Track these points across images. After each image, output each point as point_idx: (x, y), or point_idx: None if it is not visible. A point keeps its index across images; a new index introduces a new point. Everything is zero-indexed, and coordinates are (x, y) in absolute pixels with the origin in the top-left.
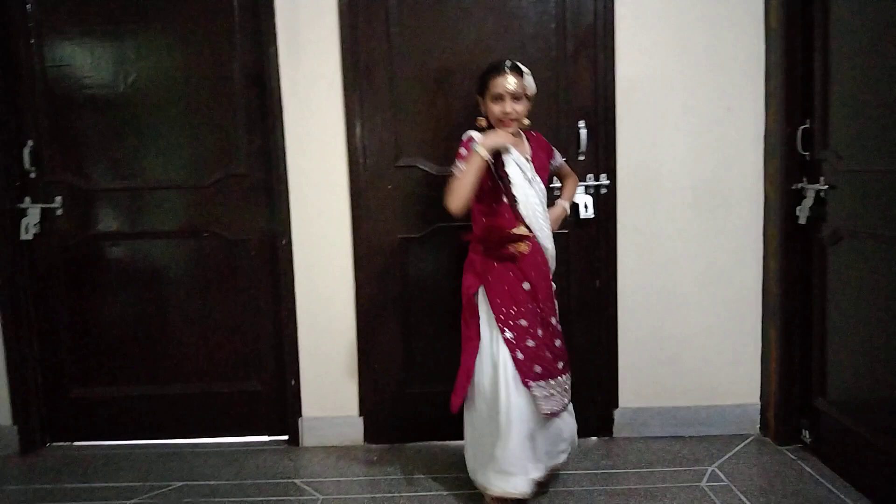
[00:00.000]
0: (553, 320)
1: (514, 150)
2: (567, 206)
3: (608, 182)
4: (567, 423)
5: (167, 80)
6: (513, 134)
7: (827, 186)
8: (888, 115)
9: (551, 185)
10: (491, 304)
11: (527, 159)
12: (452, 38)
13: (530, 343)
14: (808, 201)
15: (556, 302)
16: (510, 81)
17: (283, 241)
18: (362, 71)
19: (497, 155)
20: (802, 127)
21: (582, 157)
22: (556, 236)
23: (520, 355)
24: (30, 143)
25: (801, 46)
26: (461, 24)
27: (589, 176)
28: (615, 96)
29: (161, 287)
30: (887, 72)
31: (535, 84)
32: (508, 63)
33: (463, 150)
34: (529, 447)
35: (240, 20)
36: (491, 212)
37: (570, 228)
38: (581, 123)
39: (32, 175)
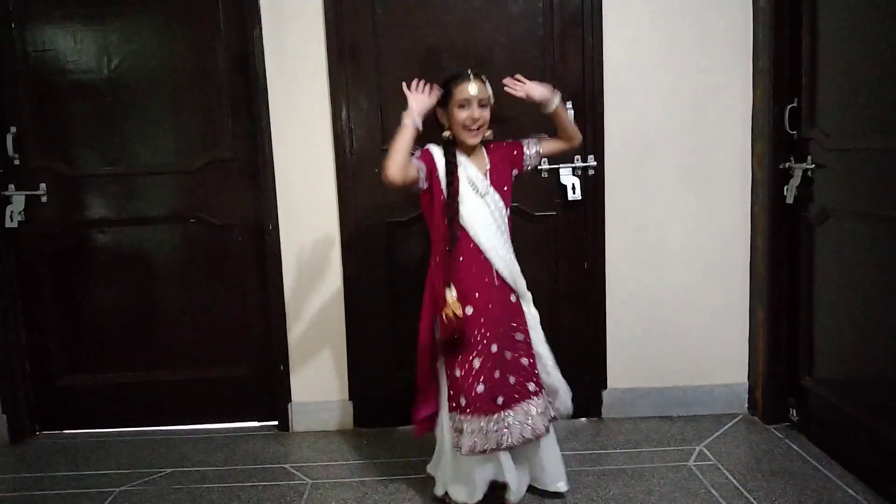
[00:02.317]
0: (495, 347)
1: (467, 164)
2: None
3: (596, 163)
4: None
5: (151, 64)
6: (473, 146)
7: (814, 165)
8: (875, 94)
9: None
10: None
11: (484, 174)
12: (439, 18)
13: (458, 373)
14: (796, 180)
15: (521, 323)
16: (476, 87)
17: (270, 226)
18: (347, 52)
19: (451, 168)
20: (790, 106)
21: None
22: (542, 218)
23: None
24: (13, 129)
25: (789, 25)
26: (448, 3)
27: (577, 157)
28: (603, 76)
29: (148, 274)
30: (874, 51)
31: (523, 64)
32: (470, 70)
33: (417, 160)
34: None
35: (223, 2)
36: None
37: (557, 210)
38: (568, 104)
39: (16, 162)
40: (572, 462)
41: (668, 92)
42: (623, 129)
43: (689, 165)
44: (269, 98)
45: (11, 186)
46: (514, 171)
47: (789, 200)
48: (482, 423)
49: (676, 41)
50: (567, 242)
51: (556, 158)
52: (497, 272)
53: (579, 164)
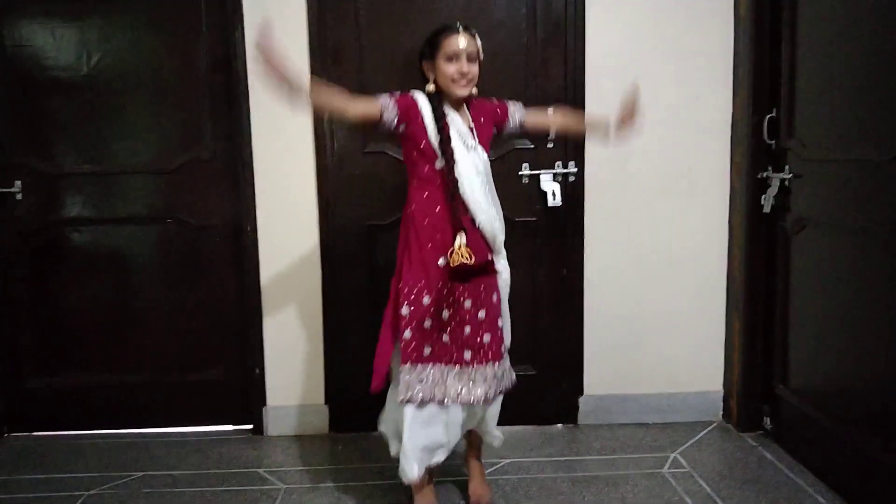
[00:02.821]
0: (468, 304)
1: (454, 117)
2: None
3: (576, 170)
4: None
5: (132, 61)
6: (457, 101)
7: (791, 175)
8: (852, 105)
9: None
10: (402, 274)
11: (469, 128)
12: (421, 21)
13: (427, 323)
14: (773, 190)
15: (495, 283)
16: (465, 40)
17: (248, 228)
18: (330, 54)
19: (440, 118)
20: (769, 116)
21: (551, 145)
22: (522, 223)
23: (408, 334)
24: None
25: (769, 36)
26: (430, 7)
27: (557, 163)
28: (585, 83)
29: (123, 274)
30: (852, 63)
31: (505, 70)
32: (460, 23)
33: (388, 99)
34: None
35: (206, 1)
36: (424, 179)
37: (537, 216)
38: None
39: None
40: (547, 468)
41: (649, 100)
42: None
43: (669, 174)
44: (250, 98)
45: None
46: (494, 131)
47: (766, 210)
48: (443, 371)
49: (658, 49)
50: (546, 248)
51: (539, 163)
52: (479, 227)
53: (560, 170)
